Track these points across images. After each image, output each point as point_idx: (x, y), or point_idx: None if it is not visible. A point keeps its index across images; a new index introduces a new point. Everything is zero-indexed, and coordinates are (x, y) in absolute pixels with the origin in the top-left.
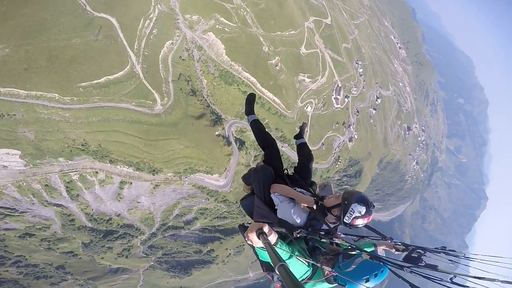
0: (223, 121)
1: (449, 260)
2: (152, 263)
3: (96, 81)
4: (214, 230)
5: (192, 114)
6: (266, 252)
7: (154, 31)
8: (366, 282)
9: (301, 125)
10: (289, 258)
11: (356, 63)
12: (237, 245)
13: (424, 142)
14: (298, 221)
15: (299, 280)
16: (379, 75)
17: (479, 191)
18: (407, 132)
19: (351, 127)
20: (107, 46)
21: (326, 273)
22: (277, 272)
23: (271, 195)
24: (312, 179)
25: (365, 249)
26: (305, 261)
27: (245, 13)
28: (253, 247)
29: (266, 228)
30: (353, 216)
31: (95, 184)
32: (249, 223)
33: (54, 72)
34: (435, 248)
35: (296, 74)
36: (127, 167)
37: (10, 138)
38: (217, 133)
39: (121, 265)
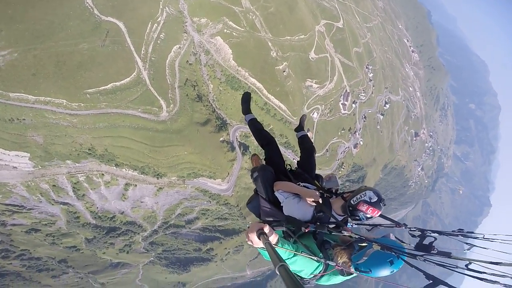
0: (228, 126)
1: (467, 243)
2: (152, 258)
3: (103, 87)
4: (215, 230)
5: (197, 120)
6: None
7: (161, 35)
8: (391, 265)
9: (300, 116)
10: (294, 256)
11: (367, 67)
12: (236, 245)
13: (431, 148)
14: (305, 215)
15: (311, 276)
16: (389, 80)
17: (483, 198)
18: (414, 138)
19: (357, 133)
20: (114, 52)
21: (341, 263)
22: (277, 273)
23: (275, 193)
24: (316, 173)
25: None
26: (313, 257)
27: (254, 17)
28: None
29: (266, 229)
30: (362, 199)
31: (101, 185)
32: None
33: (62, 78)
34: (452, 231)
35: (303, 79)
36: (132, 170)
37: (20, 142)
38: (221, 139)
39: (121, 260)
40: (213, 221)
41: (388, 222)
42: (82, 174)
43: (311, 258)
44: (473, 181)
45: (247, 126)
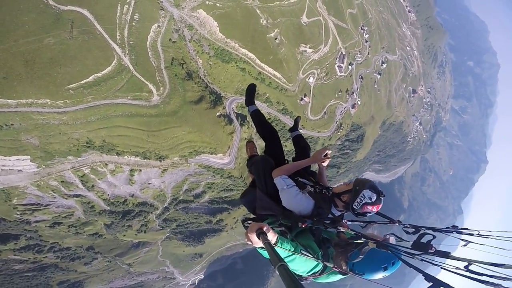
0: (223, 99)
1: (462, 240)
2: (168, 234)
3: (84, 80)
4: (222, 201)
5: (191, 99)
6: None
7: (135, 16)
8: (384, 270)
9: (295, 118)
10: (293, 255)
11: (362, 28)
12: (244, 213)
13: (429, 103)
14: (305, 209)
15: (309, 274)
16: (385, 40)
17: (480, 154)
18: (412, 95)
19: (354, 93)
20: (86, 42)
21: (342, 267)
22: (277, 272)
23: (275, 179)
24: (312, 170)
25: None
26: (312, 257)
27: None
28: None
29: (265, 228)
30: (363, 202)
31: (107, 174)
32: (249, 222)
33: (37, 78)
34: (446, 228)
35: (297, 45)
36: (134, 156)
37: (16, 146)
38: (218, 114)
39: (141, 239)
40: (220, 193)
41: (381, 219)
42: (86, 166)
43: (311, 258)
44: (471, 134)
45: (244, 97)
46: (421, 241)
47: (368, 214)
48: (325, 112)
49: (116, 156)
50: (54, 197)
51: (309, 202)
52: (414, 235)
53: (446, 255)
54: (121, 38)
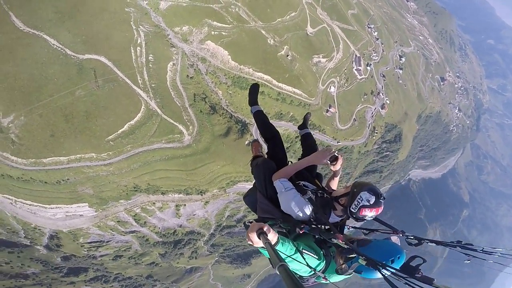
0: (248, 126)
1: (466, 254)
2: (217, 258)
3: (120, 130)
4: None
5: (219, 133)
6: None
7: (150, 57)
8: (392, 263)
9: (305, 115)
10: (294, 254)
11: (368, 27)
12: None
13: (462, 88)
14: (302, 213)
15: (311, 274)
16: (395, 33)
17: None
18: (442, 83)
19: (380, 93)
20: (113, 91)
21: (342, 266)
22: (277, 272)
23: (275, 182)
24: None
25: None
26: (314, 256)
27: (237, 9)
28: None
29: (266, 228)
30: (361, 204)
31: (156, 211)
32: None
33: (79, 133)
34: (451, 242)
35: (309, 57)
36: (178, 194)
37: (75, 196)
38: (246, 142)
39: (193, 265)
40: None
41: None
42: (137, 207)
43: (313, 256)
44: None
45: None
46: (410, 264)
47: (368, 218)
48: (354, 119)
49: (162, 195)
50: (113, 235)
51: (306, 206)
52: (416, 247)
53: (430, 282)
54: (143, 82)
